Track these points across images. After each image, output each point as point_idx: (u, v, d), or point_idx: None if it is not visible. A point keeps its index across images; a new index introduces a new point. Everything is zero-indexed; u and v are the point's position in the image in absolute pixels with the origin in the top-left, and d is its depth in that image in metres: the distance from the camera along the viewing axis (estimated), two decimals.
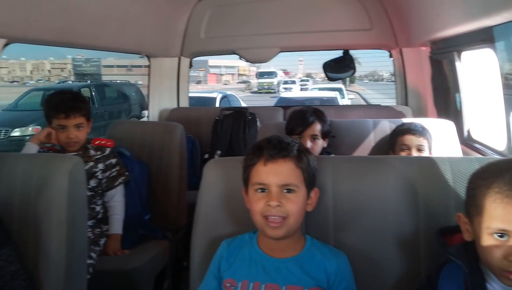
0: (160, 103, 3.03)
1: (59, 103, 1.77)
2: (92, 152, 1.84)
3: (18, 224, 1.21)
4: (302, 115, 1.82)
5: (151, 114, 3.02)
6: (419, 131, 1.72)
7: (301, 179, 0.98)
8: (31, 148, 1.75)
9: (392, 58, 2.86)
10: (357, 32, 2.74)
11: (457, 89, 2.16)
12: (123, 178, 1.90)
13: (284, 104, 7.37)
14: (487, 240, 0.79)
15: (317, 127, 1.81)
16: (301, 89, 21.72)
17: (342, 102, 9.21)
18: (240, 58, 3.03)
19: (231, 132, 2.75)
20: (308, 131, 1.80)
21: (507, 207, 0.76)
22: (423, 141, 1.71)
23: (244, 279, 0.97)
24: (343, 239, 1.07)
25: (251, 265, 0.99)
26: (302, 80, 27.99)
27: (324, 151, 1.87)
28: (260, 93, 26.17)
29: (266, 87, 27.74)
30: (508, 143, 1.60)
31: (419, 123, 1.78)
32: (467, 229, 0.86)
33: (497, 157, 1.68)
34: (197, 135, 2.86)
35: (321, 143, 1.82)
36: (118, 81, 15.23)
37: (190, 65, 3.15)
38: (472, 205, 0.83)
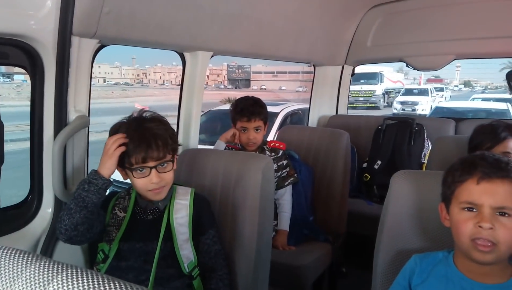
0: (320, 109, 3.13)
1: (243, 108, 2.00)
2: (267, 152, 2.02)
3: (218, 210, 1.42)
4: (492, 129, 1.65)
5: (311, 120, 3.15)
6: None
7: None
8: (220, 145, 2.02)
9: None
10: None
11: None
12: (292, 179, 2.03)
13: (441, 115, 6.71)
14: None
15: (510, 144, 1.62)
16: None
17: None
18: (406, 66, 2.91)
19: (394, 143, 2.66)
20: (498, 147, 1.62)
21: None
22: None
23: None
24: None
25: (448, 285, 0.95)
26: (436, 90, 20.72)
27: None
28: (355, 107, 17.79)
29: (361, 99, 19.11)
30: None
31: None
32: None
33: None
34: (355, 143, 2.85)
35: None
36: None
37: (353, 73, 3.16)
38: None
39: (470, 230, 0.89)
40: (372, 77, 19.34)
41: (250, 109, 1.98)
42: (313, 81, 3.09)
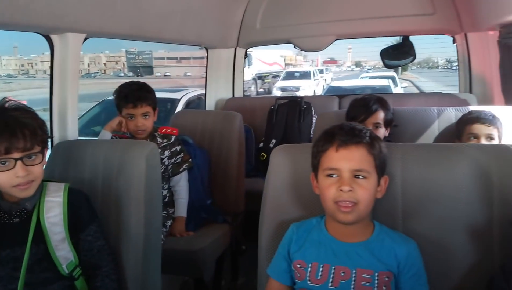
0: (216, 93, 3.12)
1: (128, 93, 1.89)
2: (159, 139, 1.96)
3: (101, 203, 1.34)
4: (365, 103, 1.81)
5: (208, 104, 3.13)
6: (489, 120, 1.65)
7: (372, 165, 0.99)
8: (105, 135, 1.89)
9: (456, 44, 2.73)
10: (418, 17, 2.63)
11: None
12: (187, 164, 2.00)
13: (335, 93, 7.26)
14: None
15: (381, 115, 1.79)
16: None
17: (395, 90, 8.88)
18: (294, 47, 3.03)
19: (286, 121, 2.77)
20: (371, 119, 1.78)
21: None
22: (493, 130, 1.64)
23: (314, 261, 1.01)
24: (412, 227, 1.07)
25: (320, 248, 1.02)
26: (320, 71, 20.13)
27: (385, 140, 1.85)
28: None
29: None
30: None
31: (489, 111, 1.70)
32: None
33: None
34: (251, 124, 2.92)
35: (383, 132, 1.80)
36: None
37: (245, 55, 3.20)
38: None
39: (333, 193, 0.97)
40: None
41: (135, 94, 1.88)
42: (206, 64, 3.06)
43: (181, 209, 1.97)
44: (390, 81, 9.38)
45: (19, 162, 1.07)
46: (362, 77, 13.66)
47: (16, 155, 1.07)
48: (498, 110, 1.80)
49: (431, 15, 2.57)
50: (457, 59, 2.76)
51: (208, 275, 1.93)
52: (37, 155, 1.11)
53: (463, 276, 1.02)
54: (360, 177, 0.97)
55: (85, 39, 1.70)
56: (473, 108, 1.83)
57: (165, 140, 1.97)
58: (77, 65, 1.70)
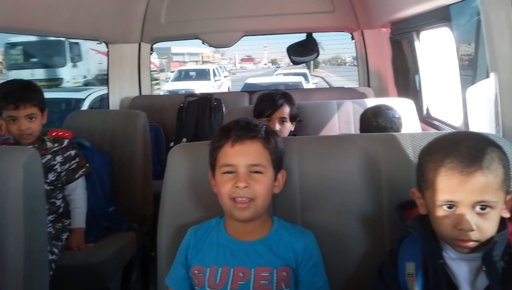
0: (121, 91, 2.92)
1: (8, 93, 1.66)
2: (49, 144, 1.75)
3: None
4: (271, 98, 1.82)
5: (112, 102, 2.92)
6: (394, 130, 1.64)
7: (268, 160, 0.97)
8: None
9: (354, 40, 2.90)
10: (319, 15, 2.74)
11: (416, 69, 2.22)
12: (83, 170, 1.82)
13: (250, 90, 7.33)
14: (438, 211, 0.82)
15: (286, 110, 1.81)
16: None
17: (307, 86, 9.29)
18: (203, 43, 2.96)
19: (196, 119, 2.70)
20: (277, 113, 1.79)
21: (450, 179, 0.79)
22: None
23: (213, 265, 0.96)
24: (310, 219, 1.08)
25: (219, 250, 0.98)
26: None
27: (291, 135, 1.88)
28: None
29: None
30: (464, 119, 1.66)
31: (394, 115, 1.67)
32: (421, 203, 0.89)
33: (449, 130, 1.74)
34: (161, 123, 2.80)
35: (289, 126, 1.82)
36: None
37: (151, 51, 3.05)
38: (422, 180, 0.86)
39: (229, 190, 0.94)
40: (59, 53, 11.04)
41: (17, 94, 1.65)
42: (108, 61, 2.85)
43: (78, 219, 1.79)
44: (302, 77, 9.79)
45: None
46: (277, 74, 14.08)
47: None
48: (391, 101, 1.93)
49: (331, 12, 2.69)
50: (356, 55, 2.93)
51: (115, 288, 1.78)
52: None
53: (358, 264, 1.05)
54: (257, 172, 0.95)
55: None
56: (369, 100, 1.93)
57: (56, 145, 1.77)
58: None
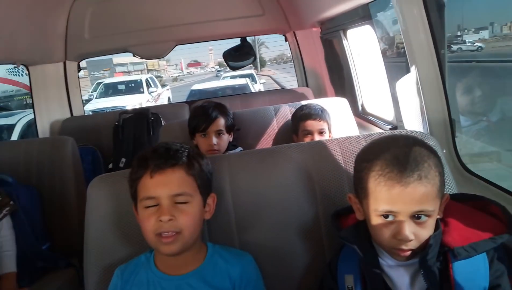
0: (49, 114, 2.72)
1: None
2: None
3: None
4: (203, 111, 1.75)
5: (40, 128, 2.71)
6: (318, 115, 1.75)
7: (194, 187, 0.91)
8: None
9: (288, 42, 2.90)
10: (250, 19, 2.72)
11: (347, 66, 2.25)
12: (7, 208, 1.65)
13: (196, 97, 7.21)
14: (376, 220, 0.80)
15: (221, 122, 1.75)
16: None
17: (254, 87, 9.32)
18: (134, 56, 2.84)
19: (134, 137, 2.57)
20: (212, 127, 1.73)
21: (390, 189, 0.77)
22: (323, 125, 1.75)
23: None
24: (248, 239, 1.03)
25: (149, 289, 0.90)
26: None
27: (231, 145, 1.83)
28: None
29: None
30: (395, 112, 1.70)
31: (317, 105, 1.81)
32: (358, 208, 0.87)
33: (382, 131, 1.78)
34: (97, 145, 2.64)
35: (226, 138, 1.77)
36: None
37: (79, 69, 2.87)
38: (359, 187, 0.84)
39: (153, 225, 0.87)
40: None
41: None
42: (30, 84, 2.64)
43: (9, 263, 1.62)
44: (249, 79, 9.80)
45: None
46: (224, 78, 13.97)
47: None
48: (326, 101, 1.93)
49: (261, 16, 2.68)
50: (291, 56, 2.94)
51: None
52: None
53: (301, 279, 1.02)
54: (182, 202, 0.88)
55: None
56: (305, 102, 1.93)
57: None
58: None
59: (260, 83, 11.85)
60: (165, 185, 0.88)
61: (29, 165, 1.91)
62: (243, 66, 3.11)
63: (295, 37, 2.75)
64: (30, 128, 4.66)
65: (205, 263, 0.93)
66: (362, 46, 2.22)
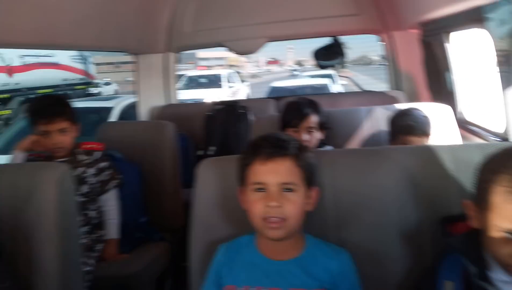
0: (149, 100, 2.97)
1: (40, 108, 1.72)
2: (81, 157, 1.79)
3: (8, 239, 1.16)
4: (297, 107, 1.78)
5: (141, 112, 2.97)
6: (422, 131, 1.65)
7: (300, 177, 0.94)
8: (18, 156, 1.70)
9: (382, 43, 2.82)
10: (344, 18, 2.69)
11: (448, 70, 2.13)
12: (116, 181, 1.85)
13: (276, 94, 7.29)
14: (497, 235, 0.76)
15: (314, 119, 1.77)
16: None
17: (334, 88, 9.16)
18: (229, 51, 2.97)
19: (224, 127, 2.70)
20: (304, 123, 1.75)
21: None
22: (425, 140, 1.66)
23: (246, 285, 0.94)
24: (345, 236, 1.04)
25: (251, 270, 0.96)
26: None
27: (321, 143, 1.84)
28: None
29: None
30: (507, 124, 1.57)
31: (420, 113, 1.70)
32: (475, 216, 0.83)
33: (498, 142, 1.65)
34: (189, 132, 2.81)
35: (317, 136, 1.78)
36: None
37: (178, 60, 3.08)
38: (482, 199, 0.79)
39: (261, 209, 0.91)
40: None
41: (48, 109, 1.71)
42: (136, 71, 2.90)
43: (112, 230, 1.82)
44: (329, 79, 9.65)
45: None
46: (303, 76, 13.87)
47: None
48: (427, 106, 1.85)
49: (356, 16, 2.63)
50: (385, 57, 2.85)
51: None
52: None
53: (398, 282, 1.01)
54: (288, 190, 0.92)
55: None
56: (400, 106, 1.87)
57: (89, 157, 1.80)
58: None
59: (340, 84, 11.59)
60: (275, 173, 0.92)
61: (133, 144, 2.10)
62: (332, 66, 3.09)
63: (391, 38, 2.66)
64: (125, 112, 5.12)
65: (305, 253, 0.96)
66: (466, 50, 2.08)
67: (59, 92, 10.55)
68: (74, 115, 1.78)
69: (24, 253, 1.17)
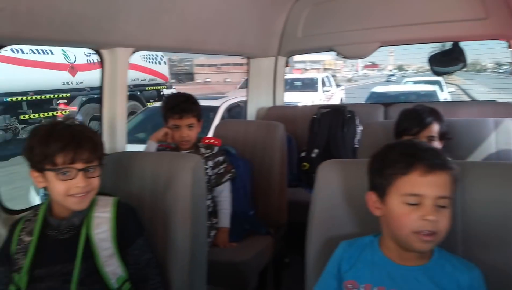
0: (258, 101, 3.12)
1: (175, 105, 1.93)
2: (202, 150, 1.97)
3: (149, 217, 1.35)
4: (417, 115, 1.72)
5: (249, 113, 3.13)
6: None
7: (453, 191, 0.92)
8: (152, 145, 1.93)
9: (511, 49, 2.55)
10: (469, 22, 2.49)
11: None
12: (230, 174, 2.00)
13: (376, 100, 7.01)
14: None
15: (435, 128, 1.70)
16: None
17: (441, 95, 8.49)
18: (337, 55, 2.97)
19: (328, 131, 2.72)
20: (424, 132, 1.69)
21: None
22: None
23: (367, 283, 0.96)
24: (474, 252, 1.00)
25: (374, 269, 0.97)
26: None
27: None
28: None
29: None
30: None
31: None
32: None
33: None
34: (293, 133, 2.89)
35: (437, 145, 1.71)
36: None
37: (287, 64, 3.18)
38: None
39: (414, 222, 0.89)
40: None
41: (181, 106, 1.92)
42: (248, 74, 3.07)
43: (225, 220, 1.97)
44: (436, 85, 8.97)
45: (80, 173, 1.11)
46: (406, 82, 13.05)
47: (79, 165, 1.11)
48: None
49: (484, 19, 2.42)
50: None
51: (251, 288, 1.91)
52: (95, 168, 1.16)
53: None
54: (441, 206, 0.90)
55: (133, 52, 1.76)
56: None
57: (208, 151, 1.98)
58: (125, 78, 1.75)
59: (448, 92, 10.70)
60: (435, 186, 0.89)
61: (246, 141, 2.24)
62: (449, 73, 2.90)
63: None
64: (230, 111, 5.43)
65: (433, 262, 0.94)
66: None
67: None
68: (200, 113, 1.97)
69: (162, 230, 1.34)
